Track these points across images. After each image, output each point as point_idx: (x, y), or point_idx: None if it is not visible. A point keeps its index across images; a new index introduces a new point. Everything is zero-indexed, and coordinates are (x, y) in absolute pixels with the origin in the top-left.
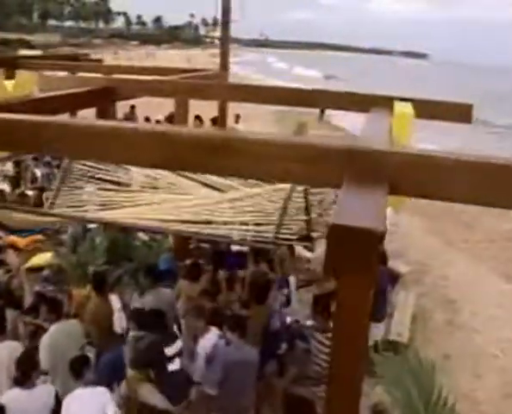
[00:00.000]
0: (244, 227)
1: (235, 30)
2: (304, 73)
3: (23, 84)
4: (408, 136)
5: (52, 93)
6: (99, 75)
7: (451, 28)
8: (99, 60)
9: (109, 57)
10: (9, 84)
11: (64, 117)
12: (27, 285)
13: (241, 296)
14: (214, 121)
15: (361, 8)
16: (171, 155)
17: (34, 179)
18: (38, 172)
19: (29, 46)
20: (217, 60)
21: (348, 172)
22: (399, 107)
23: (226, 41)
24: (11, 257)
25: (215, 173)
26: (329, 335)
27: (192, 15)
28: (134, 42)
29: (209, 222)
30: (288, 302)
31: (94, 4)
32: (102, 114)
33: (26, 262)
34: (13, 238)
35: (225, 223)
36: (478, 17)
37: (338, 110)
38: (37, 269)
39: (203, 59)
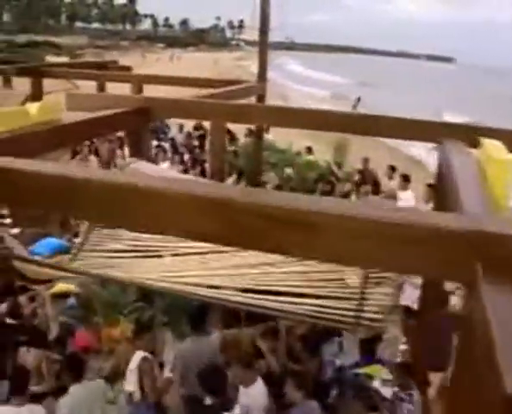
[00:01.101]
0: (317, 301)
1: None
2: (337, 80)
3: (50, 108)
4: (508, 189)
5: (80, 117)
6: (133, 95)
7: (471, 30)
8: (128, 68)
9: (136, 59)
10: (33, 107)
11: (82, 171)
12: (51, 312)
13: (293, 347)
14: (249, 132)
15: (378, 9)
16: (227, 227)
17: None
18: None
19: (57, 47)
20: (243, 63)
21: (484, 265)
22: (492, 147)
23: (264, 50)
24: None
25: (285, 253)
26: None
27: (218, 18)
28: (161, 44)
29: (272, 293)
30: (340, 348)
31: (121, 7)
32: (134, 136)
33: (51, 287)
34: (39, 258)
35: (292, 295)
36: (496, 18)
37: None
38: (63, 295)
39: (229, 62)
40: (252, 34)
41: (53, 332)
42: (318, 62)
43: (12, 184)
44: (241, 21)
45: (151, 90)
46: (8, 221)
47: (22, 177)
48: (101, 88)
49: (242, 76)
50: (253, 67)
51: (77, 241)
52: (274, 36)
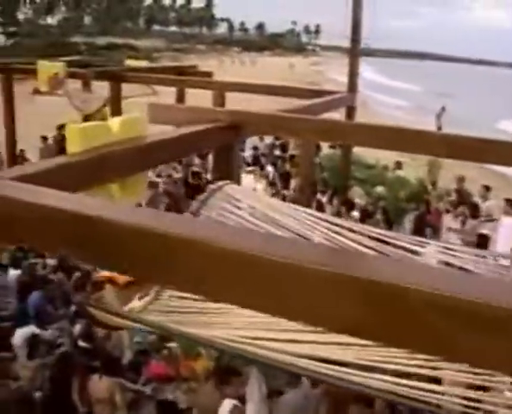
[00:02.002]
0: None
1: (336, 38)
2: (414, 89)
3: (133, 123)
4: None
5: (167, 135)
6: (221, 109)
7: None
8: (208, 74)
9: (213, 63)
10: (115, 123)
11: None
12: (126, 336)
13: None
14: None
15: (457, 16)
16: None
17: None
18: None
19: (135, 50)
20: (318, 68)
21: None
22: None
23: (356, 60)
24: (110, 296)
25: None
26: None
27: (295, 23)
28: (237, 49)
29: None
30: None
31: (198, 10)
32: (222, 154)
33: (126, 303)
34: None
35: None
36: None
37: None
38: None
39: (304, 67)
40: (328, 39)
41: (127, 357)
42: (394, 69)
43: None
44: (318, 26)
45: (229, 98)
46: None
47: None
48: (180, 94)
49: (319, 81)
50: (330, 73)
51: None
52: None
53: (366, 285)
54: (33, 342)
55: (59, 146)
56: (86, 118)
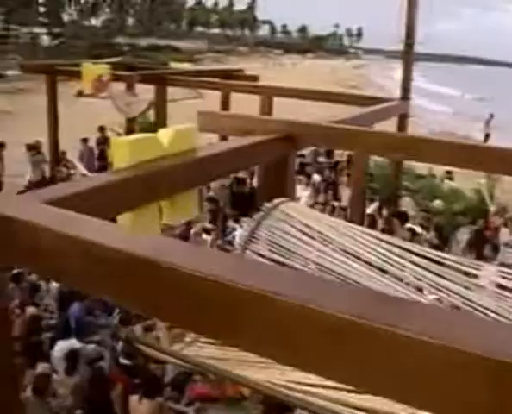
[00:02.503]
0: None
1: (379, 41)
2: (457, 94)
3: (184, 136)
4: None
5: (216, 148)
6: (275, 118)
7: None
8: (255, 78)
9: (255, 65)
10: (165, 135)
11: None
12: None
13: None
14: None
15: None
16: None
17: None
18: None
19: (177, 51)
20: (361, 72)
21: None
22: None
23: (409, 65)
24: (161, 333)
25: None
26: None
27: (337, 26)
28: (279, 51)
29: None
30: None
31: (241, 13)
32: (275, 168)
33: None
34: None
35: None
36: None
37: None
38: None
39: (347, 70)
40: (370, 42)
41: (169, 375)
42: (437, 73)
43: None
44: (360, 28)
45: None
46: None
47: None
48: (225, 98)
49: (362, 85)
50: (372, 76)
51: None
52: (393, 45)
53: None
54: (72, 357)
55: (100, 148)
56: (129, 121)
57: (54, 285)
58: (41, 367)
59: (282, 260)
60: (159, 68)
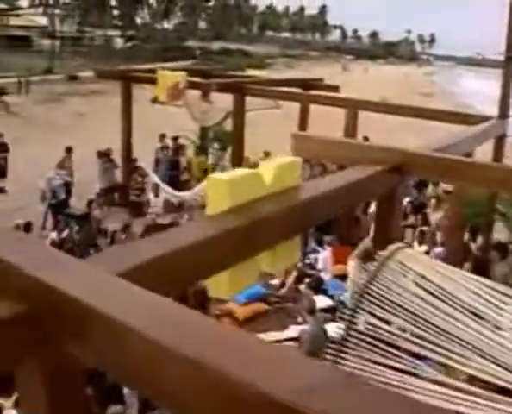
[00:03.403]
0: None
1: (447, 47)
2: None
3: (287, 171)
4: None
5: (321, 185)
6: (382, 146)
7: None
8: (335, 88)
9: (327, 70)
10: (268, 171)
11: None
12: None
13: None
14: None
15: None
16: None
17: None
18: None
19: (248, 56)
20: (432, 79)
21: None
22: None
23: (509, 79)
24: None
25: None
26: None
27: (409, 32)
28: (350, 56)
29: None
30: None
31: (311, 17)
32: (382, 202)
33: None
34: (231, 306)
35: None
36: None
37: None
38: None
39: (418, 77)
40: (444, 48)
41: None
42: None
43: None
44: (432, 35)
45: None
46: None
47: None
48: (304, 110)
49: (434, 92)
50: (444, 83)
51: None
52: (463, 51)
53: None
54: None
55: (174, 158)
56: (203, 129)
57: None
58: (113, 410)
59: (401, 322)
60: (236, 75)
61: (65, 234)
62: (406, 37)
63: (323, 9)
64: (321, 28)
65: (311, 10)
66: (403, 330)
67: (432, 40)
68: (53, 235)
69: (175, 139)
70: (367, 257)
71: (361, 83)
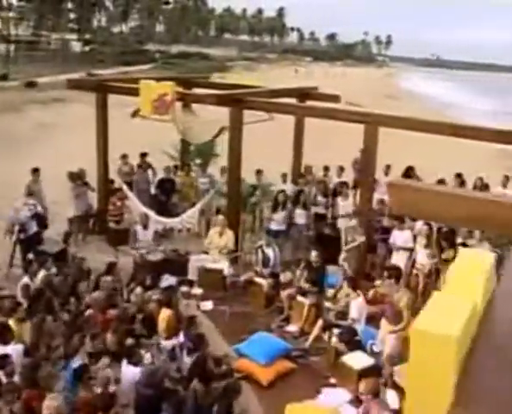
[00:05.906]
0: None
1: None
2: (486, 108)
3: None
4: None
5: None
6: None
7: None
8: (335, 97)
9: (286, 72)
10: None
11: None
12: None
13: None
14: None
15: None
16: None
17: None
18: (270, 253)
19: (207, 59)
20: (393, 80)
21: None
22: None
23: None
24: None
25: None
26: None
27: (366, 34)
28: (308, 58)
29: None
30: None
31: (270, 19)
32: None
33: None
34: (251, 365)
35: None
36: None
37: None
38: None
39: (381, 79)
40: (396, 50)
41: None
42: (463, 82)
43: None
44: (389, 36)
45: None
46: (198, 291)
47: None
48: (299, 122)
49: (397, 94)
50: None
51: None
52: (418, 52)
53: None
54: None
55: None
56: (184, 143)
57: None
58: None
59: None
60: (224, 84)
61: (39, 277)
62: (363, 39)
63: (281, 12)
64: (279, 31)
65: (269, 12)
66: None
67: (388, 42)
68: (26, 279)
69: (143, 155)
70: None
71: (335, 86)
